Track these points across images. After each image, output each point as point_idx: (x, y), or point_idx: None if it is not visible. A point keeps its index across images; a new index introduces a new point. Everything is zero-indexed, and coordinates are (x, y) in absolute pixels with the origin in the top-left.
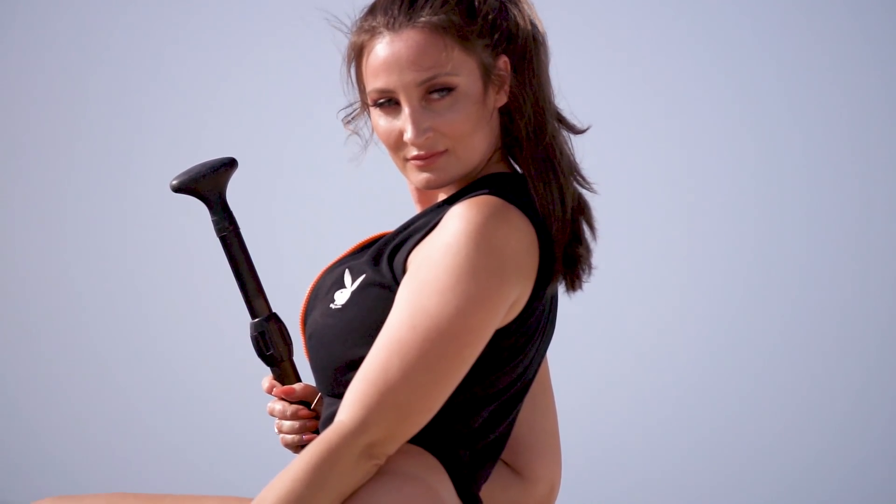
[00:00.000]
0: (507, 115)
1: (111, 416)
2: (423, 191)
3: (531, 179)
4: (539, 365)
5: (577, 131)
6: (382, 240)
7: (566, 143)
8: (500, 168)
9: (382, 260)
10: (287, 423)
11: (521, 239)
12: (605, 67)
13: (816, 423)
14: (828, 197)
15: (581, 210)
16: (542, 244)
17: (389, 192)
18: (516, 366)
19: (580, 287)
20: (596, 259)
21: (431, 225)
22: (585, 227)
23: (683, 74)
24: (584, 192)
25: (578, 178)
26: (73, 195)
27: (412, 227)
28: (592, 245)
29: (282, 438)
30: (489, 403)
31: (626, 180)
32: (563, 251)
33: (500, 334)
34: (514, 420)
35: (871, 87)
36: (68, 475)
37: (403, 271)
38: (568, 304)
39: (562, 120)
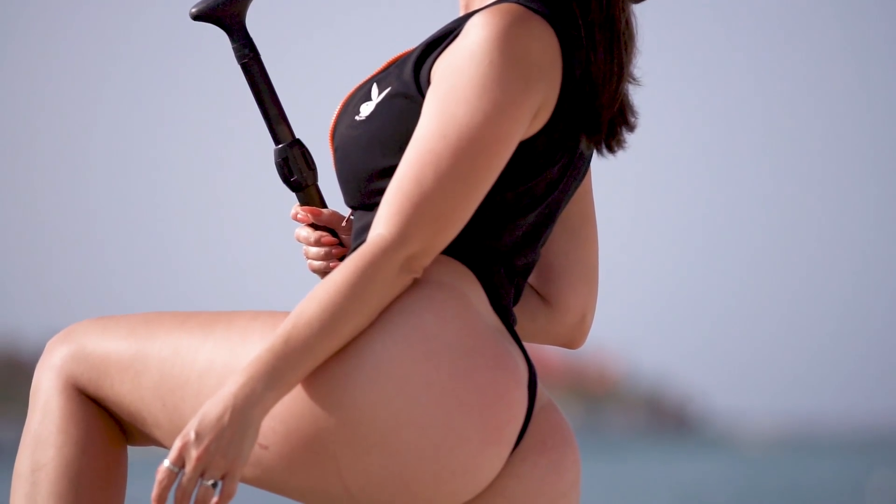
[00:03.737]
0: None
1: (145, 242)
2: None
3: (593, 44)
4: (569, 193)
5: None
6: (409, 52)
7: (634, 20)
8: None
9: (406, 70)
10: (313, 250)
11: (543, 47)
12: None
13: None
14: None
15: (627, 103)
16: (564, 52)
17: (428, 12)
18: (542, 179)
19: (612, 152)
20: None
21: (455, 34)
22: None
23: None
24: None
25: (631, 76)
26: (93, 21)
27: (436, 37)
28: (634, 121)
29: (309, 264)
30: (518, 217)
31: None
32: (608, 118)
33: (525, 145)
34: (541, 246)
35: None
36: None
37: (428, 82)
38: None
39: None
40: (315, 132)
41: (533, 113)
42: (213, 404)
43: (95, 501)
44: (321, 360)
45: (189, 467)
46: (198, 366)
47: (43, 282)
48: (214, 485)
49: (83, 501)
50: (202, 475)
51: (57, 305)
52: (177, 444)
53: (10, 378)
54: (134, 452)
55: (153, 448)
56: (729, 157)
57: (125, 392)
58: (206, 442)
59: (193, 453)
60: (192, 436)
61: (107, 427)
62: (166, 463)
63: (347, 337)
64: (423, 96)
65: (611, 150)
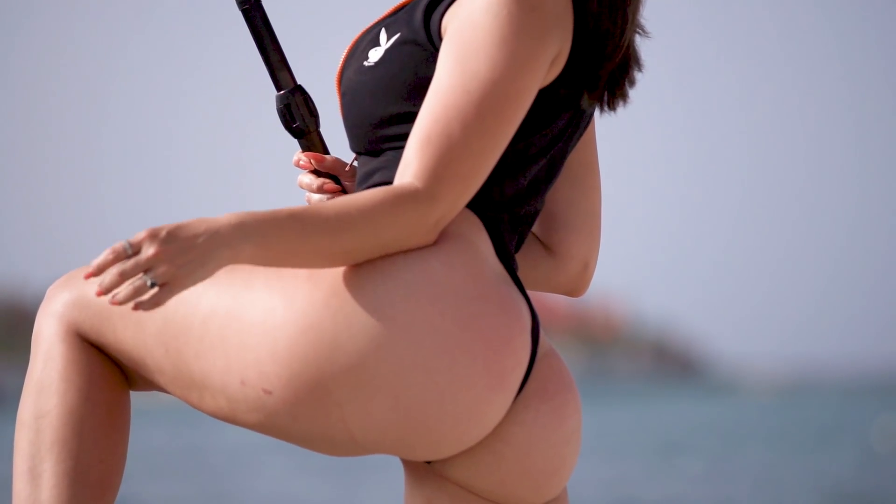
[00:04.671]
0: None
1: (150, 189)
2: None
3: None
4: (573, 143)
5: None
6: None
7: None
8: None
9: (417, 16)
10: (316, 197)
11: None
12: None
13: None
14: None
15: (633, 55)
16: (575, 2)
17: None
18: (549, 130)
19: (612, 109)
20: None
21: None
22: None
23: None
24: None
25: (639, 25)
26: None
27: None
28: (637, 76)
29: None
30: (525, 166)
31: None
32: (609, 72)
33: (539, 94)
34: (545, 195)
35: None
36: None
37: (439, 30)
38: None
39: None
40: (317, 78)
41: (549, 63)
42: (200, 222)
43: (99, 447)
44: (305, 256)
45: (141, 255)
46: (201, 312)
47: (47, 229)
48: (152, 286)
49: (87, 447)
50: (146, 271)
51: (61, 252)
52: (146, 231)
53: (14, 325)
54: (136, 398)
55: (155, 393)
56: (732, 102)
57: (127, 338)
58: (169, 246)
59: (152, 249)
60: (164, 234)
61: (109, 373)
62: (126, 241)
63: (340, 254)
64: (432, 44)
65: (612, 107)
